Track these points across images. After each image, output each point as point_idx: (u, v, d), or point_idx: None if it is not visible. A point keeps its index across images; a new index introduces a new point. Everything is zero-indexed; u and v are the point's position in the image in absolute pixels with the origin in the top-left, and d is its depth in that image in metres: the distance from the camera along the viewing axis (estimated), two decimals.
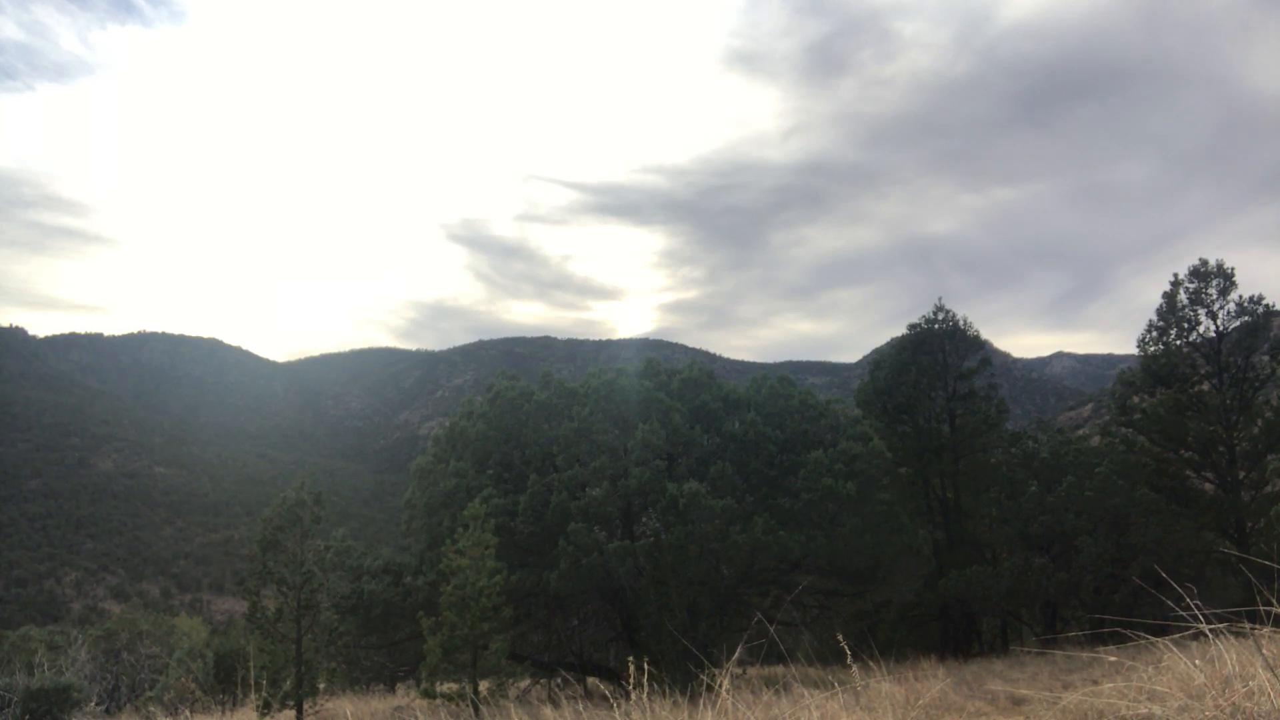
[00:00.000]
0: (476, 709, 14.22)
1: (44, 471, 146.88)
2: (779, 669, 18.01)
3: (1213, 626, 4.40)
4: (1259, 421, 24.97)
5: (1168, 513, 23.60)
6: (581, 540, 18.46)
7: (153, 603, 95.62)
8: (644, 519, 21.13)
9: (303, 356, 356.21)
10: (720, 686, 5.15)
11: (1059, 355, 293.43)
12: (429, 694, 15.23)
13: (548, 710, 7.77)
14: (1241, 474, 25.12)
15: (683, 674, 15.23)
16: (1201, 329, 25.68)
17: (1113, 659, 4.70)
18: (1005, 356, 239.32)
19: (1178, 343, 25.99)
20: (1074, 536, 23.39)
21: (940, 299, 28.69)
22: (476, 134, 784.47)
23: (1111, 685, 4.78)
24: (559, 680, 19.39)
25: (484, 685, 15.55)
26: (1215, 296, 25.27)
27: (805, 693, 6.38)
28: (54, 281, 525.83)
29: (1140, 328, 27.03)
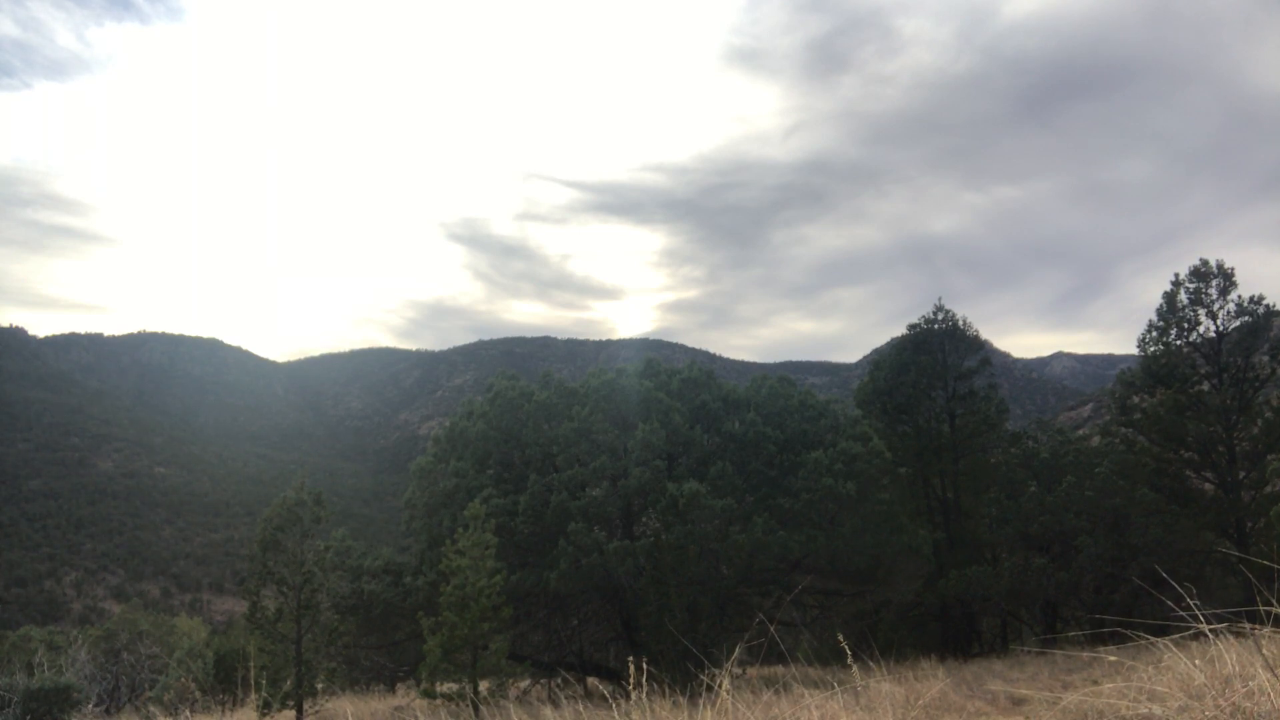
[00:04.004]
0: (476, 709, 14.21)
1: (44, 471, 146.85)
2: (779, 669, 18.02)
3: (1213, 626, 4.40)
4: (1259, 421, 24.97)
5: (1168, 513, 23.60)
6: (581, 540, 18.46)
7: (153, 603, 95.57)
8: (644, 519, 21.13)
9: (303, 356, 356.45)
10: (720, 686, 5.15)
11: (1059, 355, 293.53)
12: (429, 694, 15.24)
13: (548, 710, 7.78)
14: (1241, 474, 25.12)
15: (683, 674, 15.21)
16: (1201, 329, 25.70)
17: (1113, 659, 4.69)
18: (1005, 356, 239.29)
19: (1178, 343, 25.99)
20: (1074, 536, 23.39)
21: (940, 299, 28.75)
22: (476, 133, 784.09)
23: (1111, 685, 4.78)
24: (559, 680, 19.39)
25: (484, 685, 15.55)
26: (1215, 296, 25.28)
27: (805, 693, 6.38)
28: (53, 281, 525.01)
29: (1141, 327, 27.06)
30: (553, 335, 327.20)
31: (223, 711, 18.04)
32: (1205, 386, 25.81)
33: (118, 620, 27.57)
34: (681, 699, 6.07)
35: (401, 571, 20.96)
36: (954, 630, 26.48)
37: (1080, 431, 37.57)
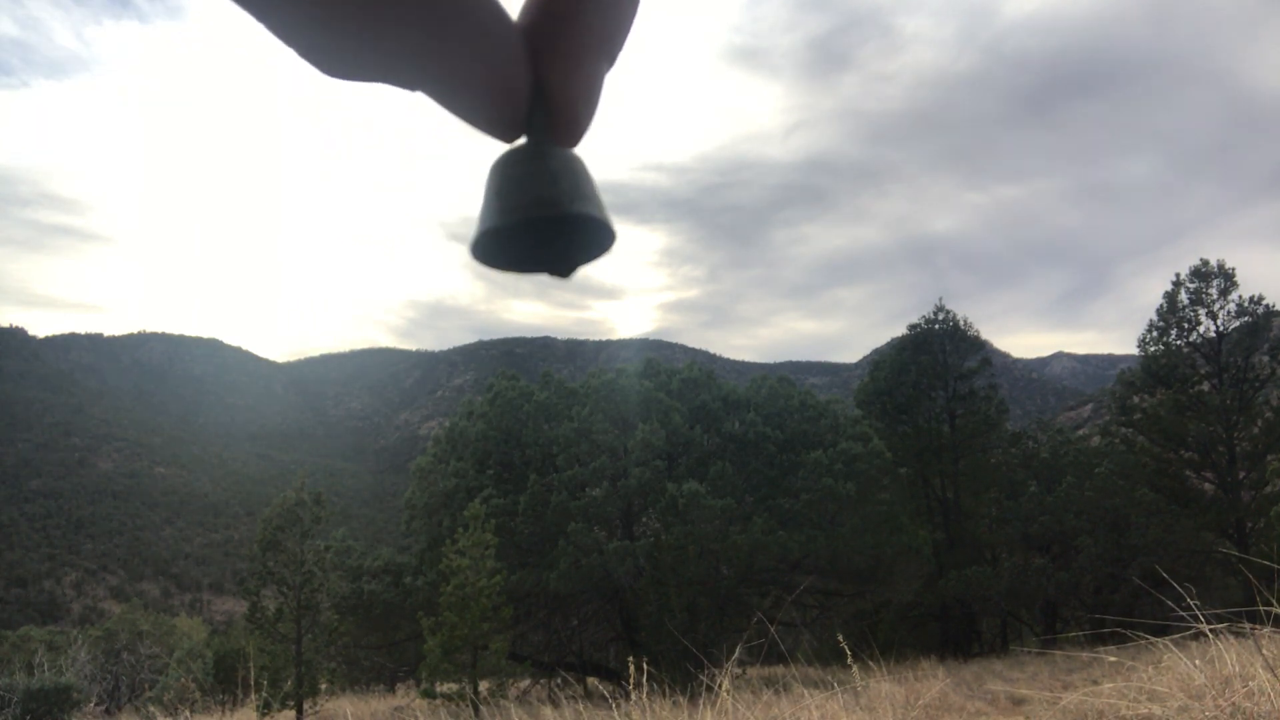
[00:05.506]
0: (476, 709, 14.21)
1: (44, 471, 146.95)
2: (779, 669, 18.01)
3: (1213, 626, 4.40)
4: (1259, 421, 24.97)
5: (1168, 513, 23.59)
6: (581, 540, 18.47)
7: (153, 603, 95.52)
8: (644, 519, 21.13)
9: (303, 356, 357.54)
10: (720, 686, 5.15)
11: (1059, 355, 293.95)
12: (429, 694, 15.24)
13: (548, 710, 7.77)
14: (1241, 474, 25.12)
15: (683, 674, 15.21)
16: (1202, 329, 25.72)
17: (1113, 659, 4.69)
18: (1005, 356, 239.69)
19: (1178, 343, 26.00)
20: (1074, 536, 23.40)
21: (940, 299, 28.78)
22: (477, 132, 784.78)
23: (1111, 685, 4.78)
24: (559, 680, 19.38)
25: (484, 685, 15.55)
26: (1216, 297, 25.29)
27: (805, 693, 6.38)
28: (53, 280, 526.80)
29: (1141, 327, 27.12)
30: (553, 335, 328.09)
31: (223, 712, 18.02)
32: (1205, 386, 25.82)
33: (118, 620, 27.53)
34: (681, 699, 6.07)
35: (401, 571, 20.95)
36: (954, 630, 26.47)
37: (1080, 431, 37.57)
